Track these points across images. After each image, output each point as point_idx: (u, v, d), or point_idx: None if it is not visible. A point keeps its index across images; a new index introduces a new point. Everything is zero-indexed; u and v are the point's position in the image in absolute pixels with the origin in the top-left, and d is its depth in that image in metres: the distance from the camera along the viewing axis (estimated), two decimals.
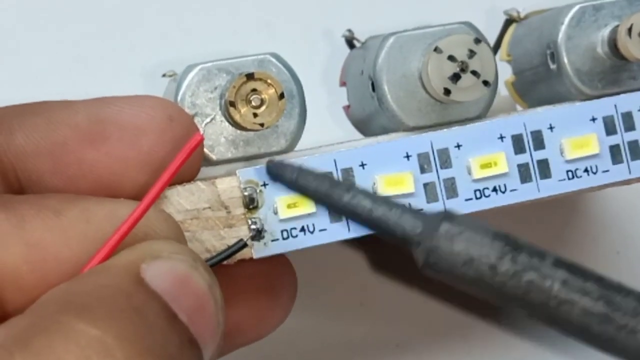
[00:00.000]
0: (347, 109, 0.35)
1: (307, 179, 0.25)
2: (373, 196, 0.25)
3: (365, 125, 0.34)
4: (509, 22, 0.36)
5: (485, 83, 0.30)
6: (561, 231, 0.42)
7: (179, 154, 0.26)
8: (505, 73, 0.36)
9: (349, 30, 0.36)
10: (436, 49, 0.30)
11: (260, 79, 0.29)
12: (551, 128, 0.29)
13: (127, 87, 0.40)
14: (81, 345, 0.20)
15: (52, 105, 0.27)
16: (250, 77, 0.29)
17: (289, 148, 0.31)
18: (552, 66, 0.33)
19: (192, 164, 0.27)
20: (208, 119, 0.28)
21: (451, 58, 0.30)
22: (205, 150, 0.29)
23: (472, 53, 0.30)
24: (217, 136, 0.30)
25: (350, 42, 0.35)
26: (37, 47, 0.41)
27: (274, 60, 0.30)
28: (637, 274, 0.43)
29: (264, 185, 0.27)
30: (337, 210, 0.26)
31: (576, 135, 0.29)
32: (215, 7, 0.41)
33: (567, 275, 0.24)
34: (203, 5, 0.42)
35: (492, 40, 0.36)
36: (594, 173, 0.29)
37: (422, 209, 0.27)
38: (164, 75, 0.33)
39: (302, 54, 0.40)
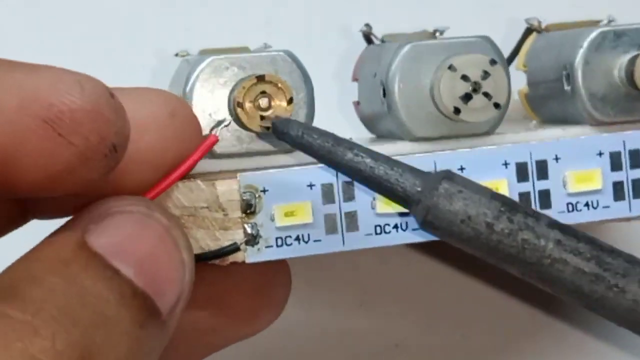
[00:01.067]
0: (356, 105, 0.35)
1: (312, 135, 0.26)
2: (375, 154, 0.26)
3: (373, 125, 0.34)
4: (529, 31, 0.36)
5: (496, 105, 0.30)
6: None
7: (192, 155, 0.26)
8: (519, 81, 0.36)
9: (367, 25, 0.35)
10: (450, 67, 0.30)
11: (271, 82, 0.29)
12: (557, 159, 0.29)
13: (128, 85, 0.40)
14: (6, 331, 0.21)
15: None
16: (260, 78, 0.28)
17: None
18: (567, 87, 0.32)
19: None
20: (224, 124, 0.28)
21: (464, 77, 0.30)
22: None
23: (486, 74, 0.30)
24: (222, 130, 0.30)
25: (367, 37, 0.35)
26: (37, 46, 0.41)
27: (288, 58, 0.30)
28: None
29: (264, 191, 0.27)
30: (340, 168, 0.26)
31: (581, 169, 0.29)
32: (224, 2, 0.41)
33: (560, 236, 0.25)
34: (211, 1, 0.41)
35: (509, 49, 0.35)
36: (595, 208, 0.29)
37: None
38: (176, 55, 0.33)
39: (315, 48, 0.40)
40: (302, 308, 0.36)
